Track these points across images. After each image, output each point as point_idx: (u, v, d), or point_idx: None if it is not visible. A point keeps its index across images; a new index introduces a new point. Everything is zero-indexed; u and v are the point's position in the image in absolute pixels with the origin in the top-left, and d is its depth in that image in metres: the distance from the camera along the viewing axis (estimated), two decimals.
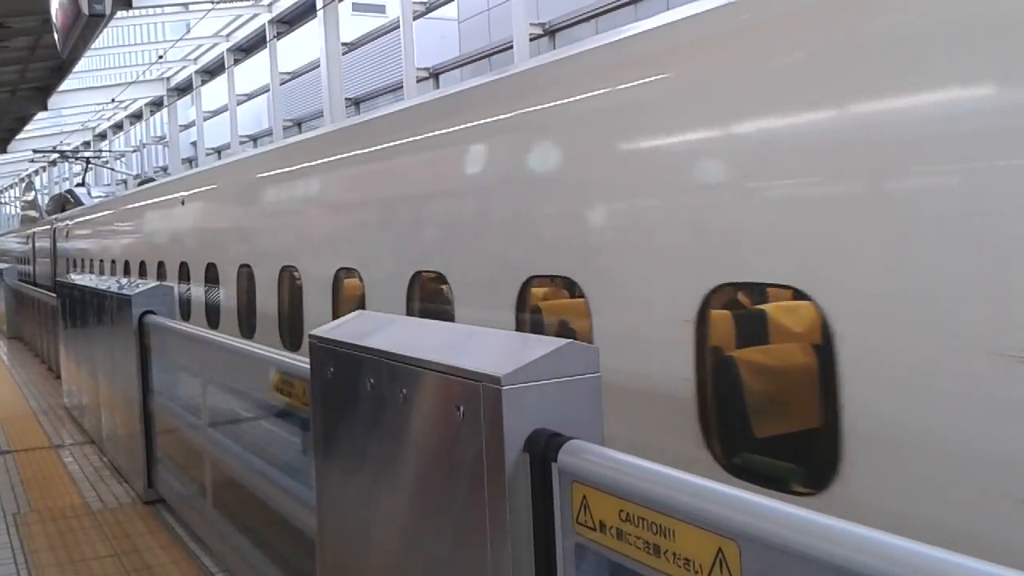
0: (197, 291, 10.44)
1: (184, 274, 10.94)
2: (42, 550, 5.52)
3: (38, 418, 10.07)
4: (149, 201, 14.13)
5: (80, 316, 8.99)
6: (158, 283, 8.31)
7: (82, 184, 32.53)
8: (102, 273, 16.63)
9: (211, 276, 9.88)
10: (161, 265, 12.20)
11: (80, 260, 20.02)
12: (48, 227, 26.03)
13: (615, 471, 1.87)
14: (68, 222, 23.00)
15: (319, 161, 7.46)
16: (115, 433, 7.66)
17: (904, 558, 1.30)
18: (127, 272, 14.47)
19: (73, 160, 38.55)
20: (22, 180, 55.19)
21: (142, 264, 13.56)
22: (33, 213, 36.27)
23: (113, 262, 16.02)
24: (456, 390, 2.23)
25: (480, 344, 2.49)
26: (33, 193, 39.17)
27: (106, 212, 18.45)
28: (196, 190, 11.46)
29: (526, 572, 2.05)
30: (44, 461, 7.96)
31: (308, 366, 3.12)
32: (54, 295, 11.85)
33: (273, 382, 3.96)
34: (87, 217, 20.60)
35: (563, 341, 2.19)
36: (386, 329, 2.96)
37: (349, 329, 3.01)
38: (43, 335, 14.30)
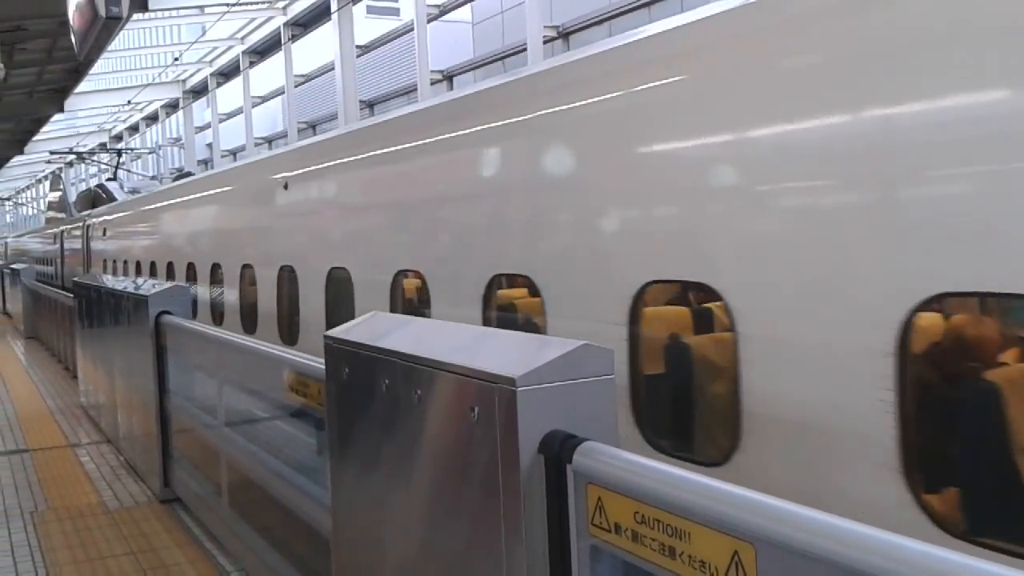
0: (266, 302, 8.70)
1: (243, 279, 9.43)
2: (59, 548, 5.56)
3: (55, 417, 10.14)
4: (205, 193, 12.21)
5: (97, 316, 9.05)
6: (174, 283, 8.34)
7: (113, 178, 30.45)
8: (142, 276, 14.49)
9: (288, 285, 8.09)
10: (216, 269, 10.54)
11: (118, 261, 17.61)
12: (79, 224, 23.81)
13: (630, 473, 1.87)
14: (104, 217, 20.38)
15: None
16: (131, 432, 7.70)
17: (920, 561, 1.30)
18: (171, 275, 12.76)
19: (100, 156, 37.12)
20: (47, 177, 51.12)
21: (190, 267, 11.75)
22: (57, 214, 33.46)
23: (153, 263, 14.26)
24: (471, 391, 2.24)
25: (495, 345, 2.50)
26: (61, 188, 34.68)
27: (151, 206, 15.80)
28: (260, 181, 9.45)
29: (540, 574, 2.05)
30: (61, 460, 8.02)
31: (323, 367, 3.14)
32: (71, 295, 11.85)
33: (288, 382, 3.97)
34: (126, 212, 18.20)
35: (578, 343, 2.19)
36: (401, 330, 2.98)
37: (364, 330, 3.02)
38: (60, 335, 14.39)
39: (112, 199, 23.56)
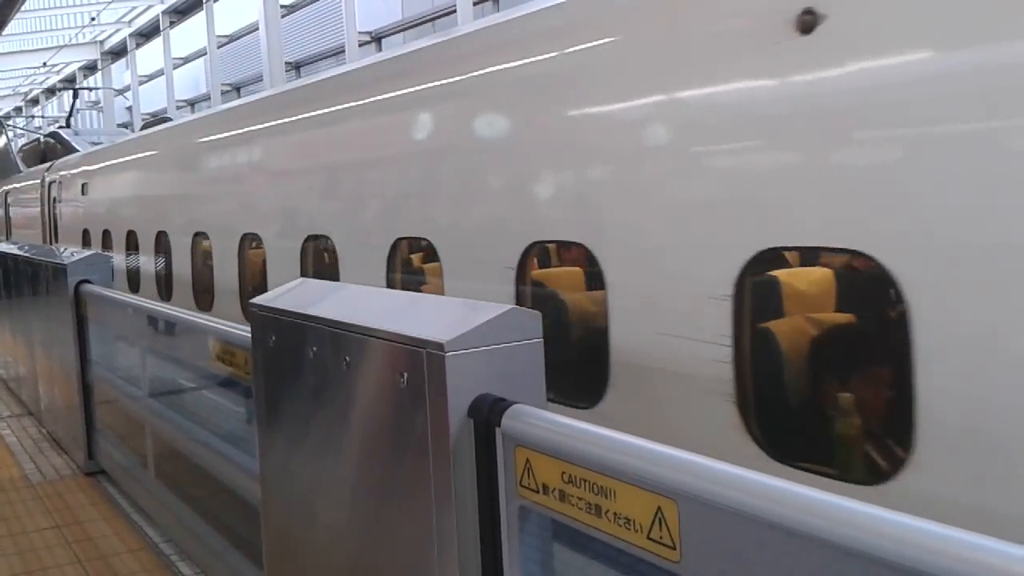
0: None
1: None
2: None
3: None
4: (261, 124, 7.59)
5: (14, 285, 8.76)
6: (95, 252, 8.11)
7: (67, 126, 23.34)
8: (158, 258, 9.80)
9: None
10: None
11: (114, 230, 11.60)
12: (32, 182, 17.45)
13: (557, 434, 1.89)
14: (82, 169, 13.90)
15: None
16: (53, 404, 7.51)
17: (843, 516, 1.35)
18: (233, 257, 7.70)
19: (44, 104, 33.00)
20: None
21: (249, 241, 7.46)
22: None
23: (158, 236, 9.65)
24: (400, 357, 2.23)
25: (424, 311, 2.49)
26: (3, 137, 24.37)
27: (157, 151, 10.63)
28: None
29: (471, 536, 2.07)
30: None
31: (249, 335, 3.09)
32: None
33: (214, 351, 3.91)
34: (122, 159, 11.88)
35: (506, 307, 2.20)
36: (329, 297, 2.95)
37: (291, 297, 2.98)
38: None
39: (72, 150, 17.82)
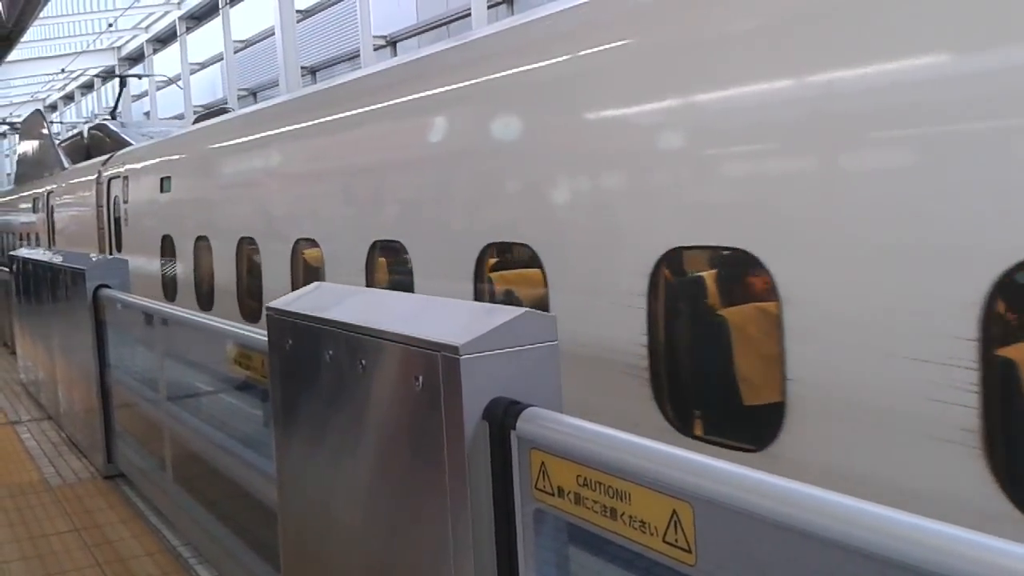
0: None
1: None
2: (1, 526, 5.46)
3: None
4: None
5: (34, 290, 8.83)
6: (113, 257, 8.23)
7: (113, 116, 20.32)
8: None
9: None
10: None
11: (199, 240, 8.99)
12: (85, 179, 14.20)
13: (572, 437, 1.89)
14: (148, 163, 11.23)
15: None
16: (73, 408, 7.57)
17: (857, 518, 1.34)
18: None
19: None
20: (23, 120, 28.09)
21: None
22: (33, 169, 20.40)
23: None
24: (415, 360, 2.24)
25: (439, 314, 2.50)
26: (44, 130, 20.17)
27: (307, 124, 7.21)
28: None
29: (486, 539, 2.07)
30: (1, 438, 7.85)
31: (266, 339, 3.11)
32: (6, 269, 11.45)
33: (231, 355, 3.94)
34: (224, 143, 8.95)
35: (521, 310, 2.20)
36: (345, 301, 2.96)
37: (307, 301, 2.99)
38: None
39: (122, 143, 14.78)
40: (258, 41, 30.52)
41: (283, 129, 7.52)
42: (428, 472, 2.22)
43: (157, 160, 11.01)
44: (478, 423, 2.08)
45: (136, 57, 36.49)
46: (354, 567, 2.65)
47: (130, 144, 14.07)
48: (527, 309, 2.22)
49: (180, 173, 10.06)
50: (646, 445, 1.73)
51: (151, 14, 32.80)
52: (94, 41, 35.75)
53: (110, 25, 32.42)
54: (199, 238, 9.00)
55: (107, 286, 6.53)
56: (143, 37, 34.77)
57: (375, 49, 23.42)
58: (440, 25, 23.05)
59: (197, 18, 31.76)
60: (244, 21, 29.77)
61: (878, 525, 1.30)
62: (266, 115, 8.53)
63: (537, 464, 1.96)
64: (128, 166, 12.09)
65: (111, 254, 12.44)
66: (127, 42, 36.15)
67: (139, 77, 30.82)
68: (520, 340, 2.15)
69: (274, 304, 3.04)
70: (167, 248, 9.98)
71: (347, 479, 2.64)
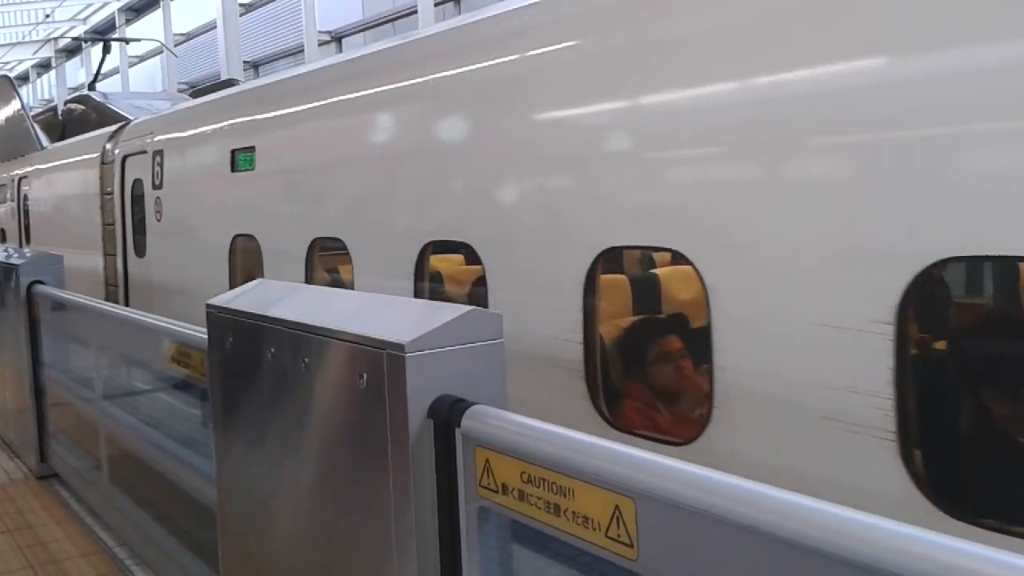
0: None
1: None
2: None
3: None
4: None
5: None
6: (47, 252, 7.89)
7: (92, 88, 15.50)
8: None
9: None
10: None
11: (313, 244, 5.85)
12: (84, 157, 10.66)
13: (516, 434, 1.90)
14: (197, 131, 7.92)
15: None
16: (5, 407, 7.36)
17: (795, 513, 1.36)
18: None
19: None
20: None
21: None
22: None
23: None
24: (359, 358, 2.22)
25: (385, 312, 2.48)
26: (15, 102, 15.29)
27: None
28: None
29: (430, 537, 2.07)
30: None
31: (206, 336, 3.06)
32: None
33: (170, 353, 3.87)
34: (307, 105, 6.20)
35: (467, 308, 2.20)
36: (288, 298, 2.92)
37: (249, 298, 2.95)
38: None
39: (115, 118, 11.37)
40: (199, 34, 30.01)
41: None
42: (371, 471, 2.21)
43: (220, 124, 7.37)
44: (423, 421, 2.07)
45: (73, 49, 35.59)
46: (295, 567, 2.62)
47: (127, 119, 10.47)
48: (474, 307, 2.22)
49: (282, 138, 6.42)
50: (590, 441, 1.74)
51: (89, 5, 32.01)
52: (30, 32, 34.76)
53: (47, 16, 31.55)
54: (315, 243, 5.81)
55: (41, 282, 6.37)
56: (80, 28, 33.92)
57: (320, 45, 23.19)
58: (386, 22, 22.92)
59: (136, 10, 31.11)
60: (186, 14, 29.24)
61: (816, 519, 1.33)
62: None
63: (482, 461, 1.96)
64: (162, 136, 8.40)
65: (126, 262, 9.12)
66: (64, 33, 35.22)
67: (127, 42, 25.22)
68: (466, 338, 2.15)
69: (214, 301, 2.99)
70: (243, 253, 6.78)
71: (288, 478, 2.61)
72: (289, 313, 2.60)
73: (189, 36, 30.50)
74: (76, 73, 37.65)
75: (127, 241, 9.16)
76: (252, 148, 6.62)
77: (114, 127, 10.29)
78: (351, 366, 2.26)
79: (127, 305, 8.75)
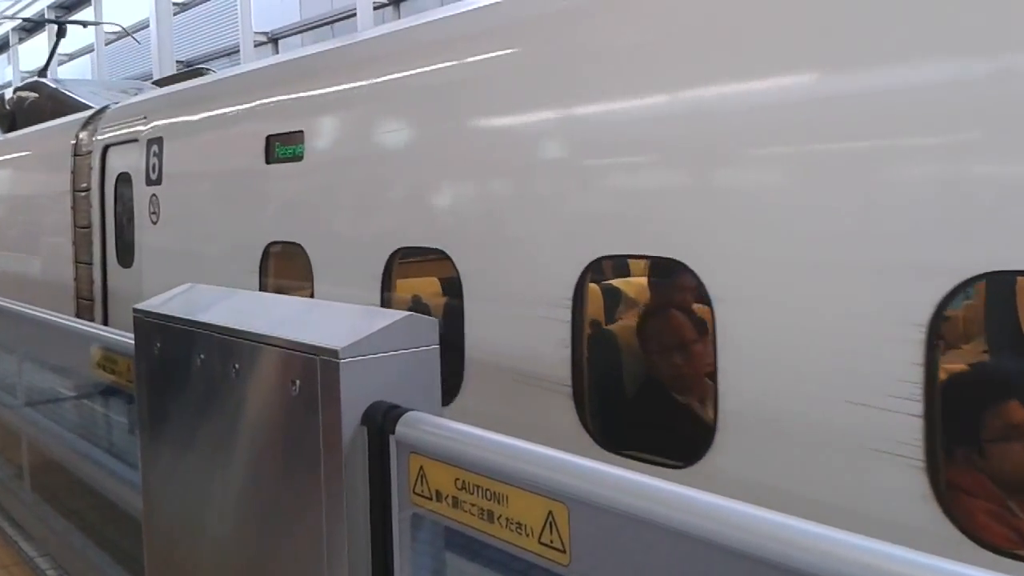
0: None
1: None
2: None
3: None
4: None
5: None
6: None
7: (44, 74, 13.62)
8: None
9: None
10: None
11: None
12: (51, 150, 9.08)
13: (451, 440, 1.89)
14: (210, 113, 6.44)
15: None
16: None
17: (725, 516, 1.39)
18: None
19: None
20: None
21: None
22: None
23: None
24: (292, 364, 2.19)
25: (320, 318, 2.46)
26: None
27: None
28: None
29: (362, 546, 2.05)
30: None
31: (132, 342, 2.99)
32: None
33: (95, 359, 3.77)
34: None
35: (403, 314, 2.19)
36: (219, 303, 2.87)
37: (178, 303, 2.89)
38: None
39: (76, 107, 9.90)
40: (132, 32, 29.36)
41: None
42: (303, 479, 2.18)
43: (246, 105, 5.97)
44: (356, 428, 2.05)
45: (0, 45, 34.55)
46: None
47: (89, 107, 9.18)
48: (409, 313, 2.21)
49: (351, 119, 5.16)
50: (524, 447, 1.74)
51: (18, 0, 31.11)
52: None
53: None
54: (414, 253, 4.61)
55: None
56: (8, 25, 32.93)
57: (256, 46, 22.88)
58: (324, 24, 22.72)
59: (67, 7, 30.32)
60: (118, 11, 28.58)
61: (751, 525, 1.35)
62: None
63: (416, 468, 1.95)
64: (160, 121, 6.97)
65: (105, 272, 7.71)
66: (15, 14, 34.04)
67: (84, 25, 21.78)
68: (401, 344, 2.13)
69: (142, 306, 2.92)
70: (281, 264, 5.57)
71: (217, 487, 2.56)
72: (220, 318, 2.55)
73: (120, 35, 29.82)
74: (3, 70, 36.56)
75: (107, 248, 7.67)
76: (298, 134, 5.23)
77: (88, 112, 8.74)
78: (283, 372, 2.23)
79: (106, 324, 7.31)
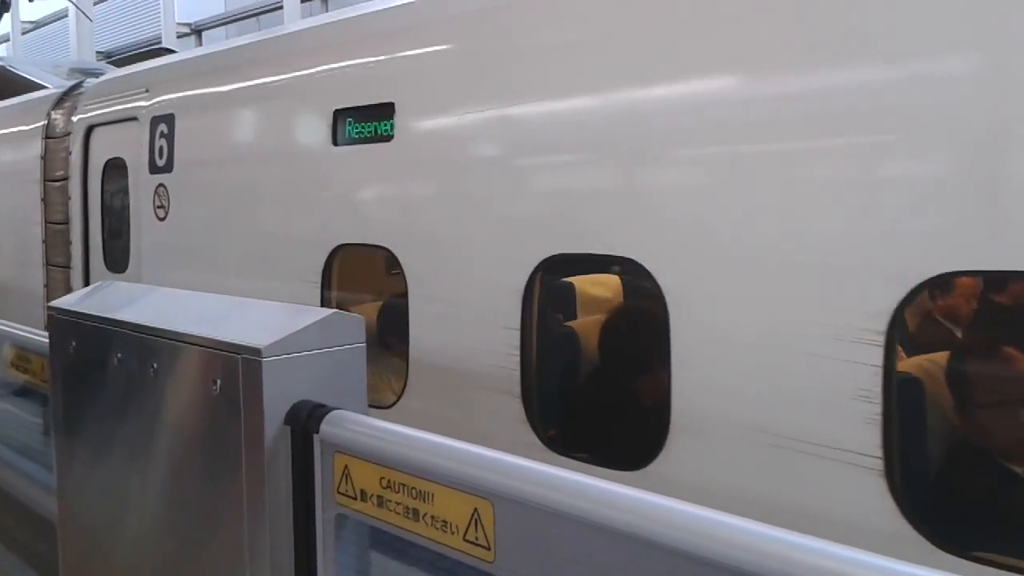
0: None
1: None
2: None
3: None
4: None
5: None
6: None
7: None
8: None
9: None
10: None
11: None
12: (25, 126, 7.50)
13: (376, 439, 1.87)
14: (243, 84, 5.25)
15: None
16: None
17: (651, 512, 1.40)
18: None
19: None
20: None
21: None
22: None
23: None
24: (213, 363, 2.15)
25: (243, 315, 2.41)
26: None
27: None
28: None
29: (284, 547, 2.02)
30: None
31: (47, 340, 2.90)
32: None
33: (8, 358, 3.64)
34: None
35: (328, 311, 2.16)
36: (137, 300, 2.80)
37: (94, 300, 2.81)
38: None
39: (30, 86, 9.05)
40: (50, 23, 28.42)
41: None
42: (224, 481, 2.13)
43: (308, 71, 4.82)
44: (279, 428, 2.02)
45: None
46: None
47: (44, 87, 8.27)
48: (334, 311, 2.18)
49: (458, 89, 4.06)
50: (450, 445, 1.74)
51: None
52: None
53: None
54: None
55: None
56: None
57: (179, 37, 22.37)
58: (249, 16, 22.32)
59: None
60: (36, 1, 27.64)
61: (670, 518, 1.37)
62: None
63: (340, 468, 1.93)
64: (170, 95, 5.78)
65: (88, 277, 6.51)
66: None
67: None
68: (327, 342, 2.11)
69: (56, 303, 2.83)
70: (355, 273, 4.75)
71: (136, 489, 2.50)
72: (137, 316, 2.49)
73: (38, 24, 28.86)
74: None
75: (91, 248, 6.54)
76: (388, 107, 4.20)
77: (64, 87, 7.59)
78: (204, 372, 2.18)
79: None
